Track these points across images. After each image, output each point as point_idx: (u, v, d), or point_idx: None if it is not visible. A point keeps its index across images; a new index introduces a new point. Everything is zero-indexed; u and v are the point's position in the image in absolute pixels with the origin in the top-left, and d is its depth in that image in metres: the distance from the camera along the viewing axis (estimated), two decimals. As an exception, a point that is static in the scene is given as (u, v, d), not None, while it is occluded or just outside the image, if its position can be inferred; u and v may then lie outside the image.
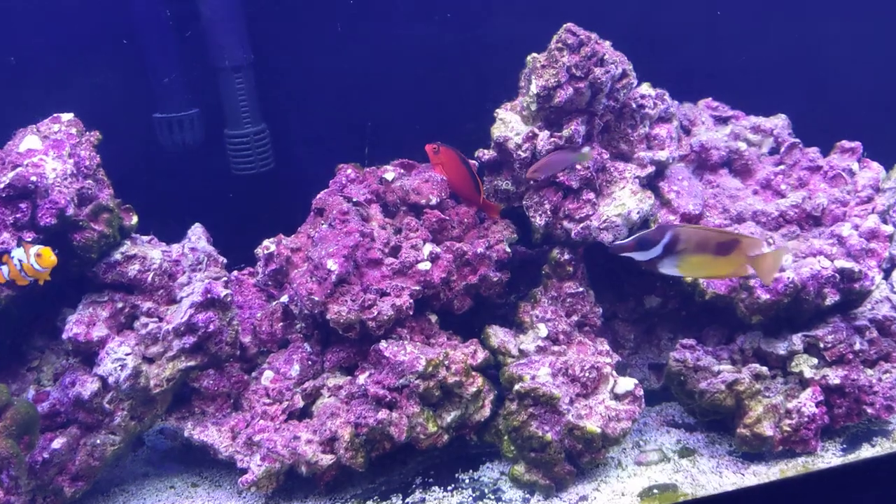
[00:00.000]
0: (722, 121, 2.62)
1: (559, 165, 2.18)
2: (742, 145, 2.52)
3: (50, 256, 1.98)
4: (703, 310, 2.39)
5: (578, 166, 2.30)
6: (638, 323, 2.55)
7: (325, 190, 2.46)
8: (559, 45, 2.26)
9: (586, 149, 2.19)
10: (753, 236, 1.99)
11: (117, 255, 2.28)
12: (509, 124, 2.41)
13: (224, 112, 2.66)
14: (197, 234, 2.45)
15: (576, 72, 2.25)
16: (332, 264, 2.21)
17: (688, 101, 2.68)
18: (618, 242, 1.84)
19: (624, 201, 2.29)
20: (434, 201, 2.42)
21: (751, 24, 2.91)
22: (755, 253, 1.78)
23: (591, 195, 2.31)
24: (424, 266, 2.30)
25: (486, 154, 2.47)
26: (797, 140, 2.54)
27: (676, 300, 2.49)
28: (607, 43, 2.31)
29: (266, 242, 2.39)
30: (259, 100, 2.67)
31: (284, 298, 2.42)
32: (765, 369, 2.19)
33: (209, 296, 2.25)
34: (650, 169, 2.35)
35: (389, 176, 2.49)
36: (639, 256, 1.78)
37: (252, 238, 2.43)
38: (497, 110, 2.48)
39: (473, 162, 2.47)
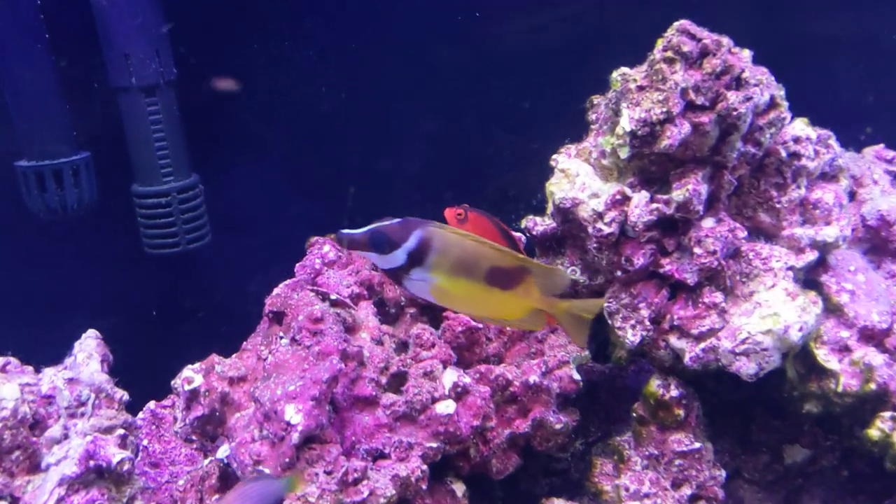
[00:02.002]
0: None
1: None
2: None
3: None
4: (882, 473, 1.58)
5: (697, 248, 1.49)
6: (774, 487, 1.75)
7: (287, 281, 1.69)
8: (669, 53, 1.47)
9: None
10: (557, 267, 1.44)
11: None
12: (577, 179, 1.62)
13: (131, 158, 1.91)
14: (86, 352, 1.66)
15: (696, 97, 1.46)
16: (293, 414, 1.42)
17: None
18: (346, 232, 1.29)
19: (775, 308, 1.49)
20: None
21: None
22: (553, 295, 1.31)
23: (718, 296, 1.52)
24: (445, 407, 1.53)
25: (541, 224, 1.72)
26: None
27: (836, 454, 1.69)
28: (745, 53, 1.52)
29: (188, 372, 1.59)
30: (186, 139, 1.95)
31: (224, 451, 1.60)
32: None
33: (92, 463, 1.44)
34: (810, 255, 1.56)
35: None
36: (375, 260, 1.31)
37: (175, 352, 1.72)
38: (556, 156, 1.72)
39: (519, 236, 1.75)
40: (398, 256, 1.29)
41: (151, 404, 1.78)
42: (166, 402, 1.79)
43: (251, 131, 2.12)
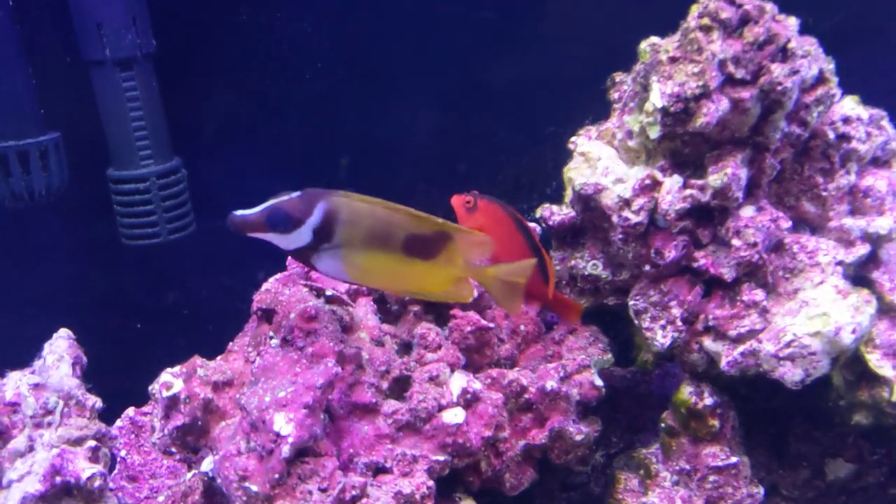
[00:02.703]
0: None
1: None
2: None
3: None
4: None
5: (736, 239, 1.36)
6: (814, 505, 1.62)
7: (278, 275, 1.56)
8: (706, 20, 1.35)
9: None
10: (477, 233, 1.32)
11: None
12: (599, 163, 1.51)
13: (106, 140, 1.81)
14: (57, 354, 1.55)
15: (735, 70, 1.34)
16: (283, 423, 1.30)
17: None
18: (239, 213, 1.21)
19: (824, 308, 1.36)
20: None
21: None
22: (481, 261, 1.28)
23: (759, 294, 1.40)
24: (453, 416, 1.42)
25: (558, 213, 1.60)
26: None
27: (883, 469, 1.57)
28: (791, 21, 1.40)
29: (166, 376, 1.45)
30: (167, 118, 1.84)
31: (208, 464, 1.47)
32: None
33: (59, 479, 1.34)
34: (861, 249, 1.43)
35: None
36: (277, 241, 1.23)
37: (156, 353, 1.58)
38: (575, 139, 1.61)
39: (534, 226, 1.64)
40: (302, 235, 1.20)
41: (130, 411, 1.67)
42: (146, 408, 1.69)
43: (240, 110, 2.01)
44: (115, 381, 1.56)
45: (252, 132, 1.96)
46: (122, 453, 1.63)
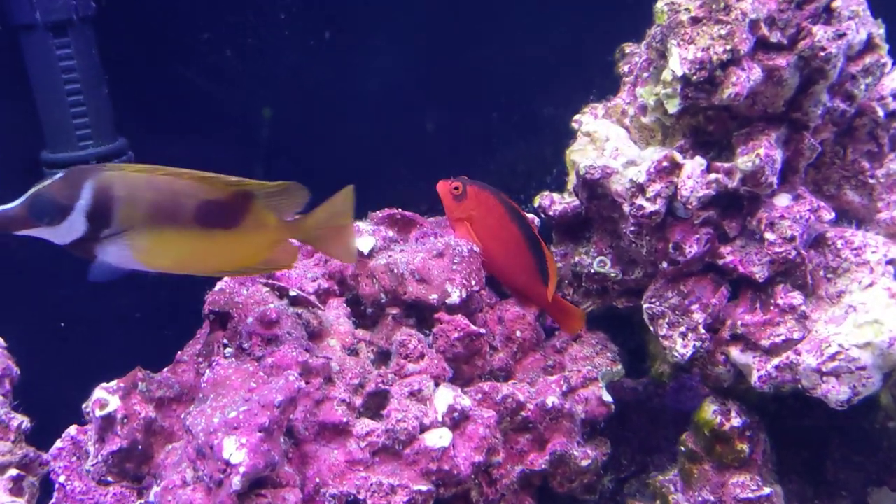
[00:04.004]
0: None
1: None
2: None
3: None
4: None
5: (769, 233, 1.22)
6: (855, 539, 1.52)
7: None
8: None
9: None
10: (284, 183, 1.20)
11: None
12: (607, 144, 1.40)
13: (38, 117, 1.65)
14: None
15: (770, 33, 1.20)
16: (233, 450, 1.16)
17: None
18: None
19: (876, 314, 1.22)
20: (455, 297, 1.42)
21: None
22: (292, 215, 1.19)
23: (796, 297, 1.27)
24: (438, 438, 1.30)
25: (559, 202, 1.49)
26: None
27: None
28: None
29: (100, 392, 1.31)
30: (110, 92, 1.68)
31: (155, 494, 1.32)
32: None
33: None
34: None
35: (366, 243, 1.50)
36: (50, 236, 1.11)
37: (106, 364, 1.40)
38: (579, 117, 1.51)
39: (531, 217, 1.55)
40: (75, 223, 1.08)
41: (72, 430, 1.50)
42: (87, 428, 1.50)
43: (197, 84, 1.85)
44: (57, 395, 1.43)
45: (212, 108, 1.80)
46: (62, 479, 1.45)
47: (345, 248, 1.27)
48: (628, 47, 1.50)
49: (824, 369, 1.19)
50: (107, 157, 1.62)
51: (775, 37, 1.19)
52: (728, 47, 1.17)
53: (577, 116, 1.49)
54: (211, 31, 1.73)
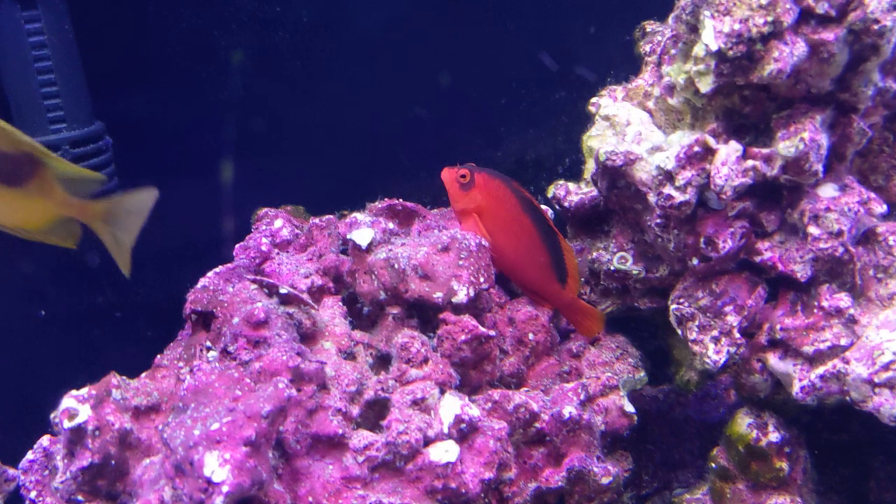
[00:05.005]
0: None
1: None
2: None
3: None
4: None
5: (813, 226, 1.15)
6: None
7: (220, 268, 1.35)
8: None
9: None
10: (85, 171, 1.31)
11: None
12: (629, 129, 1.31)
13: (5, 97, 1.60)
14: None
15: (815, 3, 1.10)
16: (215, 466, 1.07)
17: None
18: None
19: None
20: (462, 295, 1.33)
21: None
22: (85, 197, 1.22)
23: (844, 299, 1.17)
24: (444, 452, 1.22)
25: (575, 192, 1.42)
26: None
27: None
28: None
29: (69, 401, 1.22)
30: (85, 71, 1.61)
31: None
32: None
33: None
34: None
35: (364, 236, 1.39)
36: None
37: (85, 367, 1.47)
38: (596, 99, 1.44)
39: (545, 209, 1.48)
40: None
41: (45, 440, 1.45)
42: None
43: (182, 62, 1.78)
44: (28, 402, 1.42)
45: (199, 90, 1.74)
46: (32, 494, 1.39)
47: (120, 250, 1.30)
48: (650, 25, 1.42)
49: (877, 380, 1.11)
50: (81, 141, 1.55)
51: (822, 7, 1.09)
52: (769, 19, 1.08)
53: (594, 99, 1.41)
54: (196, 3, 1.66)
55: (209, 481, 1.05)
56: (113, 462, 1.22)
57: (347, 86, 1.74)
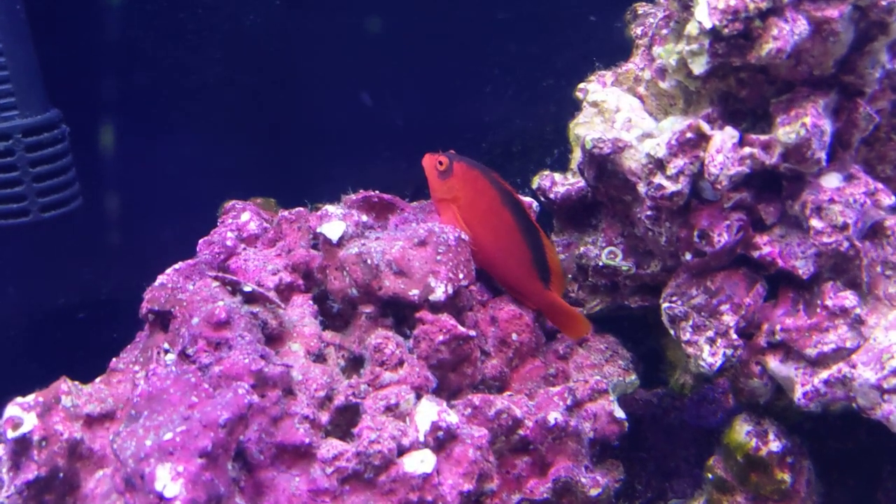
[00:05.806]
0: None
1: None
2: None
3: None
4: None
5: (816, 219, 1.11)
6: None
7: (179, 265, 1.29)
8: None
9: None
10: None
11: None
12: (618, 115, 1.27)
13: None
14: None
15: None
16: (167, 480, 1.01)
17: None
18: None
19: None
20: (439, 293, 1.28)
21: None
22: None
23: (849, 298, 1.13)
24: (420, 463, 1.18)
25: (561, 183, 1.38)
26: None
27: None
28: None
29: (13, 409, 1.16)
30: (39, 55, 1.54)
31: None
32: None
33: None
34: None
35: (334, 229, 1.33)
36: None
37: (45, 372, 1.28)
38: (584, 85, 1.40)
39: (529, 201, 1.43)
40: None
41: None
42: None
43: (144, 45, 1.71)
44: None
45: (164, 76, 1.68)
46: None
47: None
48: (641, 7, 1.38)
49: (886, 386, 1.06)
50: (35, 129, 1.48)
51: (824, -17, 1.03)
52: (766, -4, 1.03)
53: (581, 85, 1.36)
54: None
55: (161, 497, 0.98)
56: (61, 475, 1.15)
57: (326, 73, 1.68)
